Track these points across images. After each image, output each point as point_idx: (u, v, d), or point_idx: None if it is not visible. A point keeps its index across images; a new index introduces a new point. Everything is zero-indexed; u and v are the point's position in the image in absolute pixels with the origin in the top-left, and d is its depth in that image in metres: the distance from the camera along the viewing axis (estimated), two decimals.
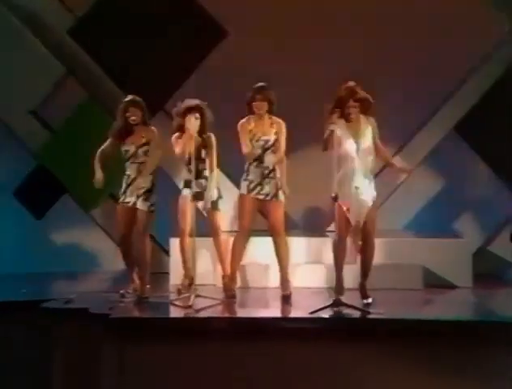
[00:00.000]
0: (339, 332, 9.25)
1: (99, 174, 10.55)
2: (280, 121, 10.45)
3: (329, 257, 10.59)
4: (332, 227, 11.10)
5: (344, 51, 12.60)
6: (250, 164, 10.32)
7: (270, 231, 10.64)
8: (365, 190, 9.89)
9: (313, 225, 12.58)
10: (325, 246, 11.21)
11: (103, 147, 10.69)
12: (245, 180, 10.39)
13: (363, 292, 10.09)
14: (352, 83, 9.79)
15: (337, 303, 9.86)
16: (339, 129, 9.61)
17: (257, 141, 10.29)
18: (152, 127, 10.57)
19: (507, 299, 11.37)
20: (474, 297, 11.09)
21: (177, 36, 12.82)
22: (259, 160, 10.32)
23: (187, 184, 10.55)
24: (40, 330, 10.06)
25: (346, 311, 9.74)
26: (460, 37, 12.58)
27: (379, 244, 10.50)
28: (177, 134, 10.62)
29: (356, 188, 9.92)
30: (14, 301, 10.56)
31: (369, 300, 9.99)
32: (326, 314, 9.67)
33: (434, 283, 11.10)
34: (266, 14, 12.66)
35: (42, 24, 12.96)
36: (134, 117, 10.33)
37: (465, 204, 12.76)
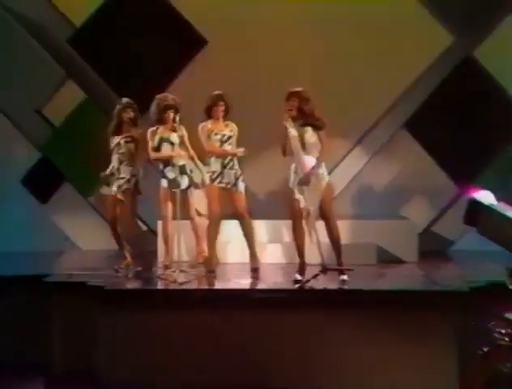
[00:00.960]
0: (304, 301, 9.46)
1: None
2: (233, 123, 10.73)
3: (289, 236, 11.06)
4: None
5: (308, 53, 12.63)
6: (210, 157, 10.58)
7: (235, 215, 10.82)
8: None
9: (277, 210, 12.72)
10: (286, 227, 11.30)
11: (110, 145, 10.91)
12: (208, 172, 10.59)
13: (339, 269, 10.21)
14: (297, 89, 10.03)
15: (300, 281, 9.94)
16: (290, 125, 9.73)
17: (215, 135, 10.48)
18: (140, 130, 10.76)
19: (447, 271, 11.77)
20: (419, 270, 11.28)
21: (162, 46, 12.84)
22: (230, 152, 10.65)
23: (163, 174, 10.71)
24: (44, 301, 10.17)
25: (311, 284, 9.86)
26: (410, 40, 12.68)
27: (339, 226, 10.47)
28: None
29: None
30: (21, 275, 10.68)
31: (345, 277, 10.00)
32: (290, 286, 9.94)
33: (386, 259, 11.37)
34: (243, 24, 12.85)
35: (46, 35, 13.07)
36: (129, 116, 10.62)
37: (412, 191, 12.87)
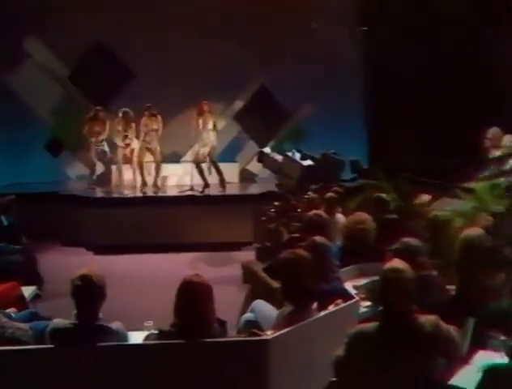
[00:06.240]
0: (191, 200, 10.71)
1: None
2: (159, 117, 11.23)
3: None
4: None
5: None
6: (146, 134, 11.12)
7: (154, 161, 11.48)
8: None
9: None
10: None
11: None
12: (144, 141, 11.20)
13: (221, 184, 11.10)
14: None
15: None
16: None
17: (148, 128, 11.16)
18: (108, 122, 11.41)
19: (253, 186, 12.49)
20: (239, 186, 12.38)
21: (107, 77, 12.92)
22: (153, 131, 11.14)
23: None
24: (56, 206, 10.90)
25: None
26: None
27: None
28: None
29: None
30: (44, 192, 11.37)
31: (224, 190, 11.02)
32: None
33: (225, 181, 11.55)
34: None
35: (55, 73, 13.30)
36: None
37: (240, 149, 13.37)
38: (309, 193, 8.38)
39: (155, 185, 11.54)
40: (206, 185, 11.24)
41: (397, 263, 3.74)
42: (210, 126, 11.11)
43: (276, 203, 8.85)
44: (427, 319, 3.67)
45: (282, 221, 8.23)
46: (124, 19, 12.60)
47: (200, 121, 11.19)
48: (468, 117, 10.22)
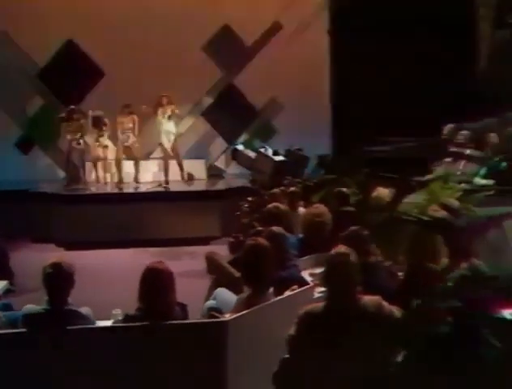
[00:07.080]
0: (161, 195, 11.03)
1: None
2: (135, 116, 11.55)
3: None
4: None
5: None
6: (123, 133, 11.48)
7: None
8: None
9: None
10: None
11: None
12: (121, 139, 11.52)
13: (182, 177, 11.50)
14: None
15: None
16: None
17: (125, 126, 11.43)
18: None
19: (222, 182, 12.59)
20: (209, 182, 12.59)
21: (77, 76, 13.05)
22: (129, 130, 11.51)
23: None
24: (27, 202, 11.04)
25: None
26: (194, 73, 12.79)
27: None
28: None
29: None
30: (17, 189, 11.49)
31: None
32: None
33: (193, 178, 12.24)
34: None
35: (24, 71, 13.36)
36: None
37: (207, 145, 13.50)
38: (282, 188, 8.59)
39: (135, 181, 11.82)
40: (167, 182, 11.52)
41: (341, 248, 4.07)
42: (167, 114, 11.38)
43: (250, 199, 9.05)
44: (370, 300, 3.95)
45: (255, 216, 8.24)
46: (95, 18, 12.89)
47: (159, 112, 11.40)
48: (432, 116, 10.51)
